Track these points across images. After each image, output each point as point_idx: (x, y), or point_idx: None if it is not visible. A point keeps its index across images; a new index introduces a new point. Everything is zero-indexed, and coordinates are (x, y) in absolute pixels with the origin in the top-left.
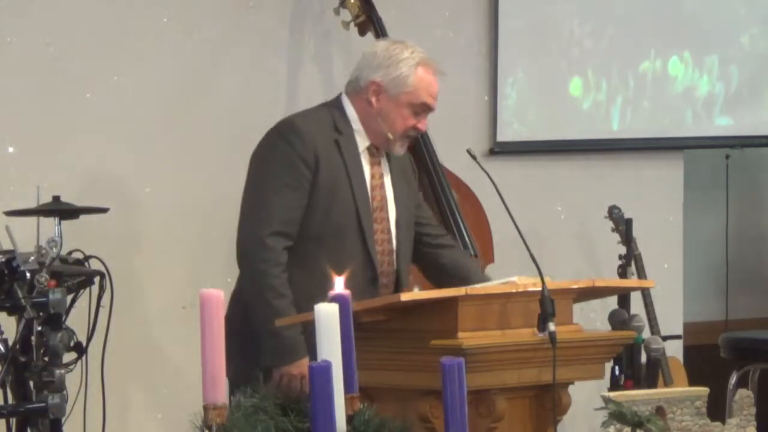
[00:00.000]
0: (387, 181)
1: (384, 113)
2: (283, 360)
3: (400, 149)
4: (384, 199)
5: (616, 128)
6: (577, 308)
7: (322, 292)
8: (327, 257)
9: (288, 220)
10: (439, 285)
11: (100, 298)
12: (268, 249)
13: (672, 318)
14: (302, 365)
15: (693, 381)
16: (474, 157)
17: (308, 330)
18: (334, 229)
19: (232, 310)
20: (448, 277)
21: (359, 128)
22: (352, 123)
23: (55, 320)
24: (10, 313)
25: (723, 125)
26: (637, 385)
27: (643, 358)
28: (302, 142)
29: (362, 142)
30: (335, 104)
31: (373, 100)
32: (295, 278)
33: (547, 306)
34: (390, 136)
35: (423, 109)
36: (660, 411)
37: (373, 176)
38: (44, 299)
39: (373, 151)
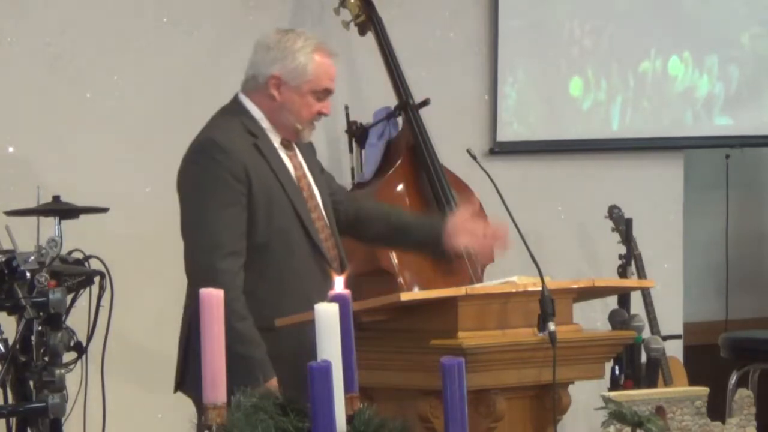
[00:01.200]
0: (305, 167)
1: (289, 105)
2: (256, 382)
3: (308, 135)
4: (310, 186)
5: (616, 128)
6: (577, 308)
7: (283, 298)
8: (280, 261)
9: (236, 239)
10: (368, 238)
11: (100, 298)
12: (221, 273)
13: (672, 318)
14: (273, 384)
15: (693, 381)
16: (474, 157)
17: (278, 344)
18: (279, 232)
19: (195, 336)
20: (369, 227)
21: (269, 126)
22: (261, 122)
23: (55, 320)
24: (10, 313)
25: (723, 125)
26: (637, 384)
27: (643, 358)
28: (229, 157)
29: (275, 139)
30: (238, 107)
31: (275, 93)
32: (256, 291)
33: (547, 306)
34: (299, 126)
35: (325, 94)
36: (660, 411)
37: (295, 168)
38: (44, 299)
39: (286, 143)
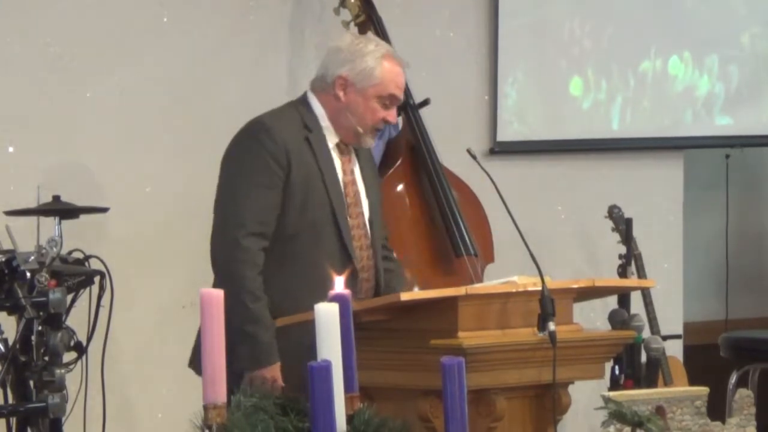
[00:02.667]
0: (358, 176)
1: (352, 107)
2: (260, 364)
3: (370, 142)
4: (357, 194)
5: (616, 128)
6: (577, 308)
7: (303, 290)
8: (304, 255)
9: (263, 221)
10: None
11: (100, 297)
12: (243, 250)
13: (672, 318)
14: (275, 369)
15: (693, 381)
16: (474, 157)
17: (289, 334)
18: (310, 226)
19: None
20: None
21: (327, 125)
22: (320, 120)
23: (55, 320)
24: (10, 313)
25: (723, 125)
26: (637, 384)
27: (643, 357)
28: (273, 140)
29: (331, 139)
30: (302, 102)
31: (341, 94)
32: (275, 278)
33: (547, 306)
34: (360, 129)
35: (391, 101)
36: (660, 411)
37: (344, 172)
38: (44, 299)
39: (342, 147)
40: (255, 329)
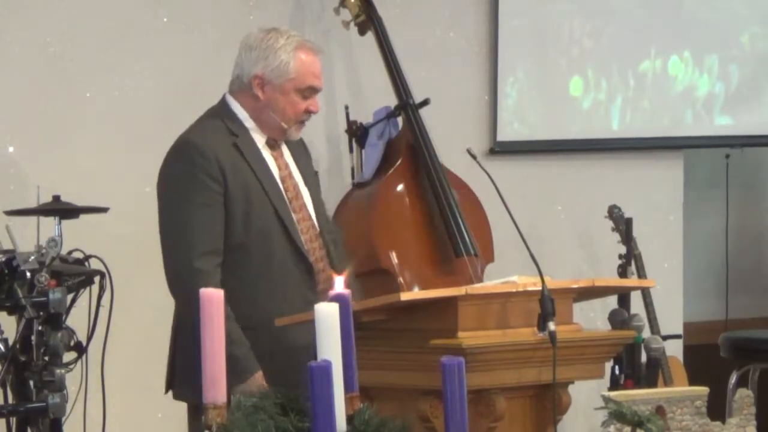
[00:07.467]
0: (293, 167)
1: (273, 104)
2: (239, 380)
3: (296, 134)
4: (296, 186)
5: (616, 128)
6: (577, 308)
7: (260, 297)
8: (258, 261)
9: (212, 238)
10: None
11: (100, 297)
12: (200, 273)
13: (672, 318)
14: (257, 379)
15: (693, 381)
16: (474, 157)
17: (255, 342)
18: (258, 233)
19: (182, 338)
20: None
21: (253, 125)
22: (245, 122)
23: (55, 320)
24: (10, 313)
25: (723, 125)
26: (637, 384)
27: (643, 357)
28: (204, 158)
29: (260, 139)
30: (222, 108)
31: (259, 93)
32: (232, 290)
33: (547, 305)
34: (284, 125)
35: (311, 91)
36: (660, 411)
37: (279, 167)
38: (44, 299)
39: (272, 143)
40: (230, 348)
